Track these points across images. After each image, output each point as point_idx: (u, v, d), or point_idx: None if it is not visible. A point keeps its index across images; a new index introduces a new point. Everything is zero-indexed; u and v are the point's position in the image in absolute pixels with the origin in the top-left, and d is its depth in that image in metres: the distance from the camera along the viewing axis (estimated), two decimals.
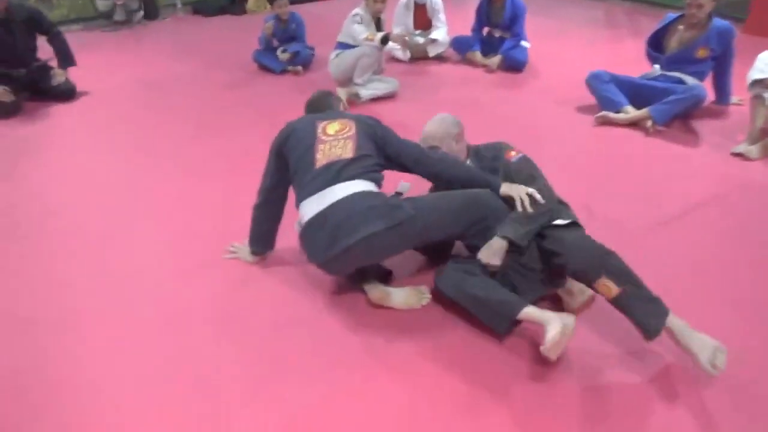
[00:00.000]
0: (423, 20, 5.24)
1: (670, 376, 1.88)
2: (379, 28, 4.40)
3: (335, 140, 2.17)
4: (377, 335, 2.08)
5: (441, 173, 2.20)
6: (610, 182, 3.12)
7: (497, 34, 5.01)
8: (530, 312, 1.87)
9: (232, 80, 4.87)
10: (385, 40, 4.23)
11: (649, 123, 3.66)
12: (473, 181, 2.15)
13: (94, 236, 2.71)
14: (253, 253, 2.46)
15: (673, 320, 1.83)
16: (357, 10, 4.31)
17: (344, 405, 1.80)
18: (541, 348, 1.78)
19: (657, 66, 3.91)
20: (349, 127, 2.21)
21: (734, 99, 4.11)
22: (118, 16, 6.72)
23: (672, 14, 3.91)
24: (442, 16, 5.15)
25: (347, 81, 4.39)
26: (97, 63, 5.38)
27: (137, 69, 5.21)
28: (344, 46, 4.40)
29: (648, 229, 2.67)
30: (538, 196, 2.06)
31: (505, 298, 1.93)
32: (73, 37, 5.14)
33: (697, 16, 3.65)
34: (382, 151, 2.23)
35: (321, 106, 2.48)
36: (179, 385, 1.88)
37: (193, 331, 2.12)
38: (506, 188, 2.13)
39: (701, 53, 3.75)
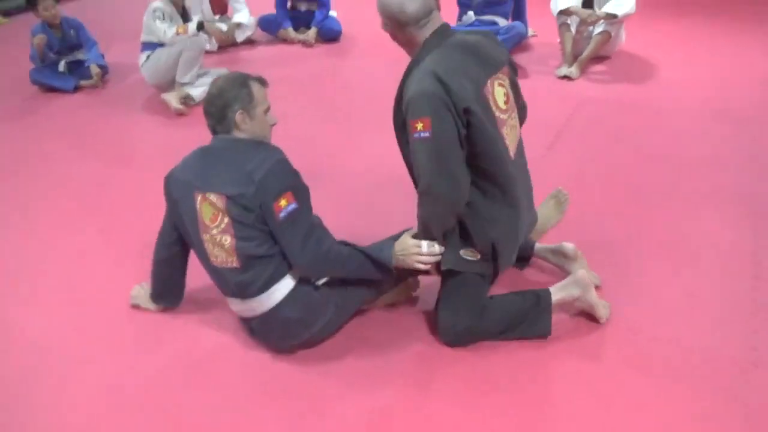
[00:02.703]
0: (220, 5, 4.86)
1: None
2: (185, 17, 3.96)
3: (213, 237, 1.79)
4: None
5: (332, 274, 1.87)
6: None
7: (303, 7, 4.88)
8: (556, 294, 1.93)
9: (10, 112, 3.94)
10: (200, 27, 3.84)
11: None
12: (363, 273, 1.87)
13: None
14: (157, 303, 2.15)
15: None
16: (155, 4, 3.79)
17: None
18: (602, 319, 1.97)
19: (471, 12, 4.22)
20: (221, 217, 1.76)
21: (530, 32, 4.65)
22: None
23: None
24: None
25: (169, 84, 3.89)
26: None
27: None
28: (152, 45, 3.87)
29: (540, 157, 2.93)
30: (436, 248, 1.84)
31: (531, 300, 1.91)
32: None
33: None
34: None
35: (213, 121, 1.82)
36: None
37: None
38: (397, 260, 1.84)
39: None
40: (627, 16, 3.80)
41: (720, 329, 1.97)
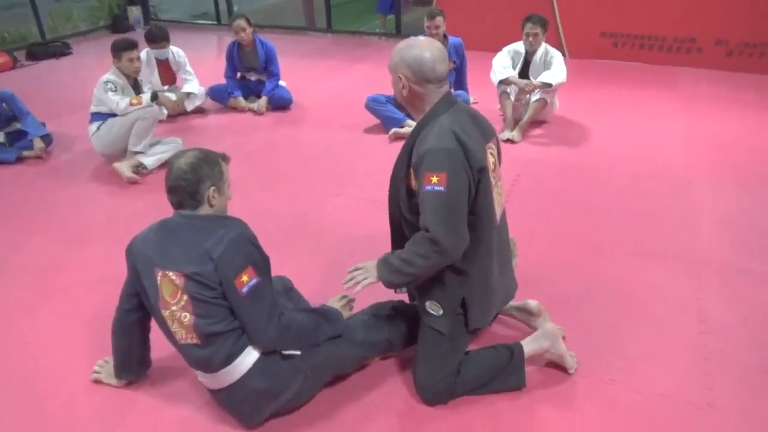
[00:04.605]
0: (168, 75, 4.91)
1: None
2: (137, 89, 3.98)
3: (173, 313, 1.77)
4: None
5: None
6: None
7: (253, 77, 5.01)
8: (528, 347, 2.03)
9: None
10: (154, 97, 3.88)
11: None
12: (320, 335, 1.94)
13: None
14: (120, 377, 2.09)
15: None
16: (107, 77, 3.80)
17: None
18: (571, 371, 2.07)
19: None
20: (180, 295, 1.74)
21: (471, 99, 4.94)
22: None
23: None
24: (189, 68, 4.89)
25: (121, 153, 3.84)
26: None
27: None
28: (103, 116, 3.84)
29: None
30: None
31: (504, 355, 1.99)
32: None
33: (437, 36, 4.30)
34: None
35: (183, 196, 1.79)
36: None
37: None
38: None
39: (448, 66, 4.42)
40: (560, 85, 4.15)
41: (676, 374, 2.10)
